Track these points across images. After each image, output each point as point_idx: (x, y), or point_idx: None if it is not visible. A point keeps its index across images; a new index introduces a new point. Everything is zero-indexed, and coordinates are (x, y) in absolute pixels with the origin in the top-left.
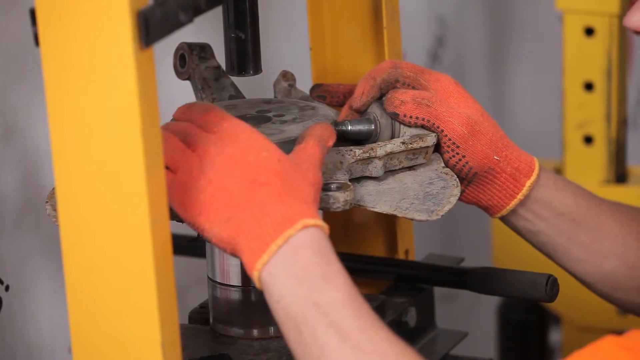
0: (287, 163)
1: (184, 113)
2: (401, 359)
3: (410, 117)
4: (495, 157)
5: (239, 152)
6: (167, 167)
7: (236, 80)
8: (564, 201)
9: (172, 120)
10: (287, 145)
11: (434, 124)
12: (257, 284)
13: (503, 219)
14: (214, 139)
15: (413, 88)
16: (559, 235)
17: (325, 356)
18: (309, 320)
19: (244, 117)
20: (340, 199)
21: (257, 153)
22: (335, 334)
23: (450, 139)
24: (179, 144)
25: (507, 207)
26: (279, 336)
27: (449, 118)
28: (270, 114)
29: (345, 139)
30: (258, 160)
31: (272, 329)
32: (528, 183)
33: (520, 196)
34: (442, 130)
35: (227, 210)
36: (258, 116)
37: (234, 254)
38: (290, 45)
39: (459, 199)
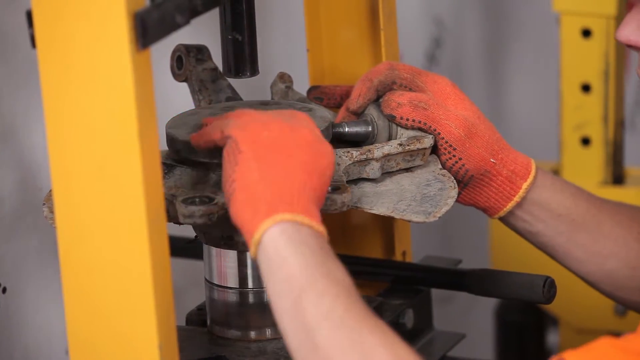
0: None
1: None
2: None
3: (407, 119)
4: (491, 159)
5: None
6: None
7: (233, 82)
8: (562, 203)
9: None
10: None
11: (430, 126)
12: (250, 241)
13: (502, 219)
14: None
15: (410, 90)
16: (558, 236)
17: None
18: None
19: None
20: (337, 201)
21: (319, 142)
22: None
23: (447, 142)
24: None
25: (504, 209)
26: (276, 338)
27: (445, 121)
28: None
29: (342, 141)
30: (318, 148)
31: (269, 331)
32: (524, 185)
33: (516, 198)
34: (439, 133)
35: (271, 160)
36: None
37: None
38: (287, 47)
39: (457, 200)
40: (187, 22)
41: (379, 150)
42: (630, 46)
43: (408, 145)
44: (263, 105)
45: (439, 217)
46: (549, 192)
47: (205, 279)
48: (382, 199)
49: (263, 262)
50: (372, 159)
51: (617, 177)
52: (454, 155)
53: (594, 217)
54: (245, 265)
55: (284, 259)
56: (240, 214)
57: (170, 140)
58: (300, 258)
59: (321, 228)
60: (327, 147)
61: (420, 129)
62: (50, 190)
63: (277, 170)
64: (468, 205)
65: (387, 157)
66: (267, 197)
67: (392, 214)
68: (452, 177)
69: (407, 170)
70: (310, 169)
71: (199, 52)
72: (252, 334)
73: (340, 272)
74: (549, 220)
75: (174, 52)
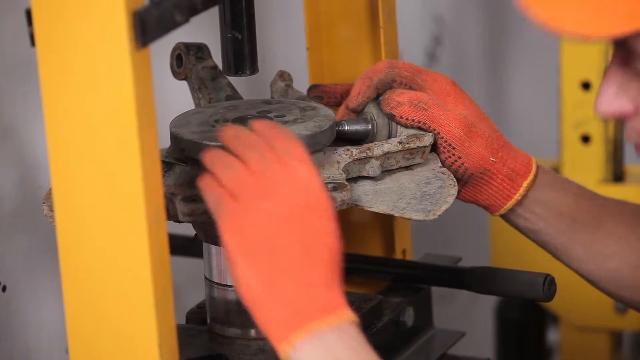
0: (337, 237)
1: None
2: None
3: (407, 119)
4: (491, 158)
5: (300, 210)
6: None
7: (233, 80)
8: (564, 201)
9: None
10: None
11: (430, 126)
12: (277, 348)
13: (503, 217)
14: (284, 176)
15: (410, 88)
16: (559, 235)
17: None
18: None
19: (245, 118)
20: (337, 199)
21: (318, 215)
22: None
23: (446, 141)
24: (240, 168)
25: (505, 207)
26: None
27: (445, 120)
28: (271, 115)
29: (342, 139)
30: (318, 225)
31: None
32: (525, 184)
33: (517, 197)
34: (439, 133)
35: (269, 264)
36: (259, 117)
37: (250, 305)
38: (286, 45)
39: (458, 198)
40: (186, 20)
41: (378, 148)
42: (615, 117)
43: (408, 143)
44: (266, 103)
45: (439, 215)
46: (550, 191)
47: (205, 277)
48: (382, 197)
49: None
50: (372, 157)
51: (617, 175)
52: (454, 154)
53: (595, 216)
54: None
55: None
56: (260, 325)
57: (175, 139)
58: None
59: (346, 313)
60: (325, 213)
61: (419, 129)
62: (50, 189)
63: (280, 279)
64: (469, 203)
65: (386, 155)
66: (277, 317)
67: (392, 212)
68: (452, 175)
69: (407, 168)
70: (320, 258)
71: (199, 51)
72: (252, 332)
73: None
74: (550, 218)
75: (173, 50)
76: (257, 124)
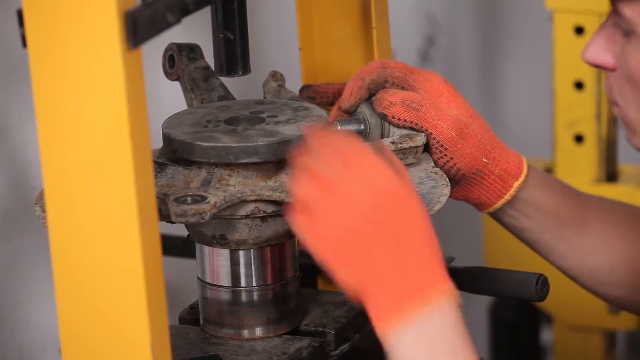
0: (428, 218)
1: (321, 141)
2: None
3: (399, 119)
4: (483, 159)
5: (411, 216)
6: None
7: (225, 80)
8: (551, 200)
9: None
10: (282, 147)
11: (422, 127)
12: (381, 336)
13: (490, 214)
14: (356, 182)
15: (402, 88)
16: (543, 233)
17: None
18: None
19: (237, 118)
20: None
21: (406, 210)
22: None
23: (438, 142)
24: (312, 185)
25: (495, 206)
26: (269, 337)
27: (437, 121)
28: (263, 115)
29: None
30: (407, 216)
31: (261, 330)
32: (516, 184)
33: (507, 197)
34: (431, 133)
35: (365, 260)
36: (252, 117)
37: (358, 300)
38: (279, 45)
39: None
40: (178, 20)
41: None
42: (597, 66)
43: (400, 143)
44: (258, 104)
45: (432, 215)
46: (538, 190)
47: (198, 278)
48: None
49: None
50: None
51: (611, 175)
52: (446, 155)
53: (579, 214)
54: (238, 264)
55: None
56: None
57: (167, 139)
58: None
59: (442, 291)
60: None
61: (412, 129)
62: (42, 190)
63: (377, 273)
64: (459, 200)
65: None
66: (380, 307)
67: None
68: (445, 175)
69: None
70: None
71: (191, 51)
72: (245, 333)
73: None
74: (537, 217)
75: (165, 50)
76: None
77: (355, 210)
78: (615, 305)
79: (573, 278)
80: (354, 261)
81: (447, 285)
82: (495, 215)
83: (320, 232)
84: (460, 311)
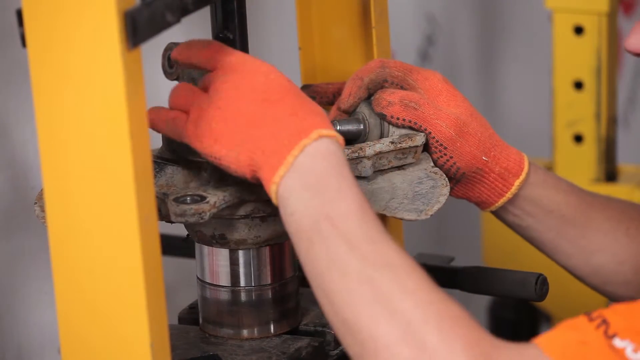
0: (295, 85)
1: (182, 53)
2: (409, 271)
3: (398, 118)
4: (483, 157)
5: (246, 77)
6: (181, 110)
7: None
8: (554, 199)
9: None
10: None
11: (421, 126)
12: (274, 199)
13: (493, 212)
14: (220, 73)
15: (401, 88)
16: (547, 231)
17: (335, 266)
18: (321, 232)
19: None
20: None
21: (265, 75)
22: (345, 244)
23: (437, 141)
24: (187, 86)
25: (496, 205)
26: (268, 336)
27: (436, 120)
28: None
29: None
30: (267, 80)
31: (261, 329)
32: (517, 182)
33: (508, 195)
34: (430, 132)
35: (242, 132)
36: None
37: (255, 177)
38: (278, 45)
39: (449, 193)
40: (177, 20)
41: (370, 148)
42: (638, 55)
43: (400, 143)
44: None
45: (431, 215)
46: (541, 189)
47: (197, 278)
48: (374, 197)
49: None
50: (364, 157)
51: (610, 174)
52: (445, 154)
53: (583, 213)
54: (237, 264)
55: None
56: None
57: (166, 139)
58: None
59: (318, 133)
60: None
61: (411, 128)
62: (42, 189)
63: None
64: (460, 199)
65: (379, 155)
66: (257, 161)
67: (384, 212)
68: (444, 175)
69: (399, 168)
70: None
71: None
72: (244, 333)
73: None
74: (540, 215)
75: (165, 50)
76: (176, 52)
77: (222, 98)
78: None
79: (579, 277)
80: (234, 142)
81: (323, 131)
82: (498, 214)
83: (200, 129)
84: (343, 155)
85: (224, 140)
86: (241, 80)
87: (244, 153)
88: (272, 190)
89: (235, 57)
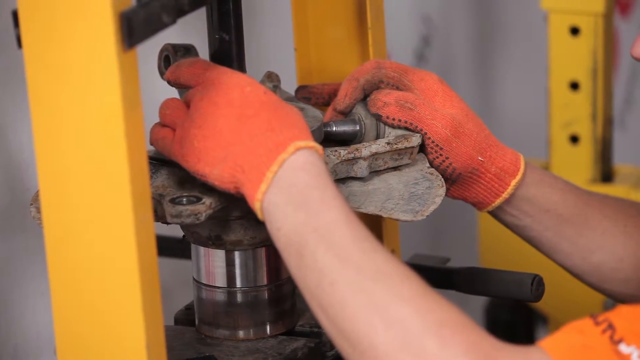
0: (273, 95)
1: (172, 73)
2: (403, 278)
3: (393, 119)
4: (479, 157)
5: (221, 92)
6: (169, 127)
7: None
8: (551, 198)
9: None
10: None
11: (416, 127)
12: (259, 215)
13: (490, 213)
14: (200, 88)
15: (397, 88)
16: (545, 230)
17: (327, 279)
18: (309, 245)
19: None
20: None
21: (240, 89)
22: (336, 256)
23: (433, 141)
24: (174, 102)
25: (492, 205)
26: (264, 337)
27: (432, 121)
28: None
29: (330, 140)
30: (242, 95)
31: (257, 330)
32: (513, 182)
33: (505, 195)
34: (426, 133)
35: (222, 149)
36: None
37: (239, 193)
38: (274, 46)
39: (445, 195)
40: (173, 21)
41: (366, 149)
42: None
43: (396, 143)
44: None
45: (427, 216)
46: (538, 188)
47: (194, 279)
48: (370, 198)
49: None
50: (360, 157)
51: (606, 175)
52: (441, 155)
53: (581, 211)
54: (234, 265)
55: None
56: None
57: None
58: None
59: (296, 145)
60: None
61: (406, 129)
62: (38, 191)
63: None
64: (456, 199)
65: (374, 155)
66: (240, 179)
67: (380, 213)
68: (440, 176)
69: (395, 168)
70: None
71: (187, 52)
72: (241, 334)
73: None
74: (537, 215)
75: (161, 51)
76: (168, 73)
77: (201, 115)
78: (622, 302)
79: (578, 276)
80: (216, 160)
81: (301, 143)
82: (495, 214)
83: (185, 148)
84: (323, 165)
85: (207, 159)
86: (217, 95)
87: (226, 170)
88: (256, 207)
89: (213, 72)
